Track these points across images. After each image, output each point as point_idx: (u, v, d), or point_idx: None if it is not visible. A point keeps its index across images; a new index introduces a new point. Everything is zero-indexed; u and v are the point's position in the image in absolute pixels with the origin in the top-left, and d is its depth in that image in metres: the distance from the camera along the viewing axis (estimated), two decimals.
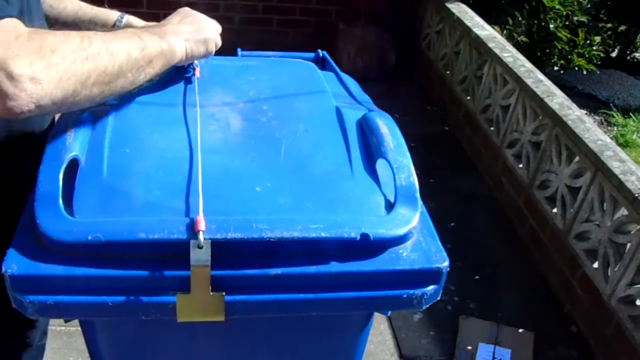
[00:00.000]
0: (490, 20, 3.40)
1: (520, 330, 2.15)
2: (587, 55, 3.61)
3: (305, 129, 0.92)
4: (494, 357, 2.02)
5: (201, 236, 0.70)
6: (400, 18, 4.12)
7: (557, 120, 2.38)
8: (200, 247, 0.70)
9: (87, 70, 0.70)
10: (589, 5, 3.73)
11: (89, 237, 0.71)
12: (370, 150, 0.89)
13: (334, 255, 0.77)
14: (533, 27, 3.54)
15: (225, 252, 0.74)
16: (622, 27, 4.58)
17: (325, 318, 0.90)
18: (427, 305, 0.81)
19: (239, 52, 1.25)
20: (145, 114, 0.90)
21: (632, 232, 1.94)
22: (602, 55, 3.88)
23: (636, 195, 1.89)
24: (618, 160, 2.05)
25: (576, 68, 3.63)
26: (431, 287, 0.80)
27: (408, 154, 0.86)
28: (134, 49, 0.77)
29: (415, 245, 0.81)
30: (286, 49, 1.33)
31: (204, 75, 1.00)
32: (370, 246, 0.78)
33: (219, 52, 1.13)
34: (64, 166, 0.76)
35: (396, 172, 0.83)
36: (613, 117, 3.90)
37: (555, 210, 2.38)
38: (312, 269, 0.76)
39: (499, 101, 2.92)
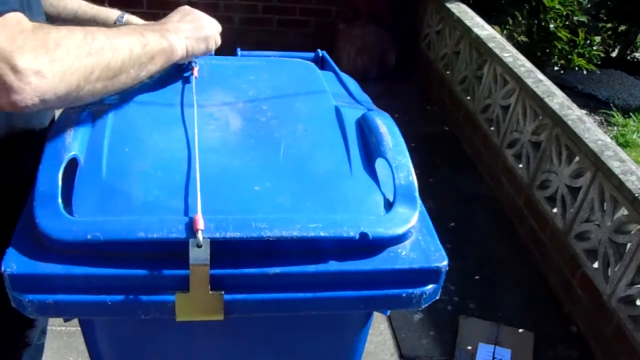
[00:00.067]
0: (490, 20, 3.40)
1: (520, 330, 2.15)
2: (587, 55, 3.61)
3: (305, 128, 0.92)
4: (494, 357, 2.02)
5: (200, 235, 0.70)
6: (400, 18, 4.12)
7: (557, 120, 2.38)
8: (199, 246, 0.71)
9: (90, 65, 0.70)
10: (589, 5, 3.73)
11: (88, 236, 0.71)
12: (370, 149, 0.89)
13: (333, 255, 0.77)
14: (533, 27, 3.54)
15: (225, 251, 0.74)
16: (622, 27, 4.58)
17: (325, 317, 0.90)
18: (427, 305, 0.81)
19: (239, 51, 1.26)
20: (144, 114, 0.90)
21: (632, 232, 1.94)
22: (602, 55, 3.88)
23: (636, 195, 1.89)
24: (618, 160, 2.05)
25: (576, 68, 3.63)
26: (430, 286, 0.80)
27: (407, 153, 0.86)
28: (136, 45, 0.77)
29: (415, 244, 0.81)
30: (286, 49, 1.33)
31: (203, 75, 1.00)
32: (370, 245, 0.78)
33: (219, 52, 1.13)
34: (63, 165, 0.76)
35: (395, 171, 0.83)
36: (613, 117, 3.90)
37: (555, 210, 2.38)
38: (311, 268, 0.76)
39: (499, 101, 2.92)
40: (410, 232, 0.81)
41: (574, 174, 2.27)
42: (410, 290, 0.79)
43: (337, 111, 0.96)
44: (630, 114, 3.96)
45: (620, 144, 3.49)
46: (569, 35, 3.53)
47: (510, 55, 2.90)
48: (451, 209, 2.76)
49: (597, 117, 3.97)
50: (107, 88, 0.75)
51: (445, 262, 0.79)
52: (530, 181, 2.58)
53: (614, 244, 2.00)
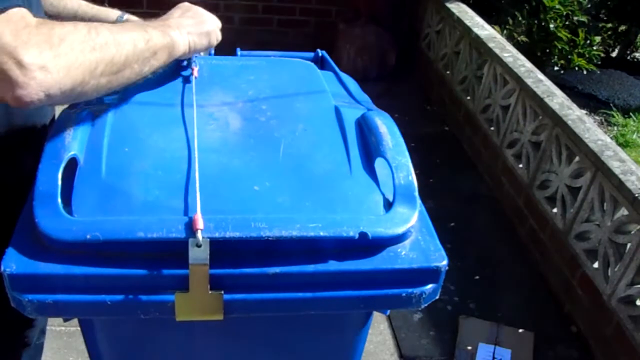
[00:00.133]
0: (490, 20, 3.40)
1: (520, 330, 2.15)
2: (587, 55, 3.61)
3: (304, 128, 0.92)
4: (494, 357, 2.02)
5: (199, 235, 0.70)
6: (400, 18, 4.12)
7: (557, 120, 2.38)
8: (198, 246, 0.70)
9: (95, 60, 0.71)
10: (589, 5, 3.73)
11: (88, 236, 0.71)
12: (369, 149, 0.89)
13: (332, 254, 0.77)
14: (533, 27, 3.54)
15: (224, 251, 0.74)
16: (622, 27, 4.58)
17: (324, 317, 0.90)
18: (426, 304, 0.81)
19: (239, 51, 1.26)
20: (144, 114, 0.90)
21: (632, 232, 1.94)
22: (602, 55, 3.88)
23: (636, 195, 1.89)
24: (618, 160, 2.05)
25: (576, 68, 3.63)
26: (430, 285, 0.80)
27: (407, 153, 0.86)
28: (139, 40, 0.78)
29: (414, 244, 0.80)
30: (286, 49, 1.33)
31: (203, 75, 1.00)
32: (369, 245, 0.78)
33: (219, 52, 1.13)
34: (63, 165, 0.76)
35: (395, 171, 0.83)
36: (613, 117, 3.90)
37: (555, 210, 2.38)
38: (310, 267, 0.76)
39: (499, 101, 2.92)
40: (410, 232, 0.81)
41: (574, 174, 2.27)
42: (409, 290, 0.79)
43: (337, 111, 0.96)
44: (630, 114, 3.96)
45: (620, 144, 3.49)
46: (569, 35, 3.53)
47: (510, 55, 2.90)
48: (451, 209, 2.76)
49: (597, 117, 3.97)
50: (111, 83, 0.75)
51: (445, 262, 0.79)
52: (530, 181, 2.58)
53: (614, 244, 2.00)
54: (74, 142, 0.80)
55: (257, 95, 0.98)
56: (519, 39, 3.52)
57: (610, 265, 2.00)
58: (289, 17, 4.13)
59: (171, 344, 0.92)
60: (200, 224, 0.71)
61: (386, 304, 0.82)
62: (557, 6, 3.47)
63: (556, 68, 3.71)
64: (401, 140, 0.89)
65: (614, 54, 4.82)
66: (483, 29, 3.21)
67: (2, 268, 0.70)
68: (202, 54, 1.03)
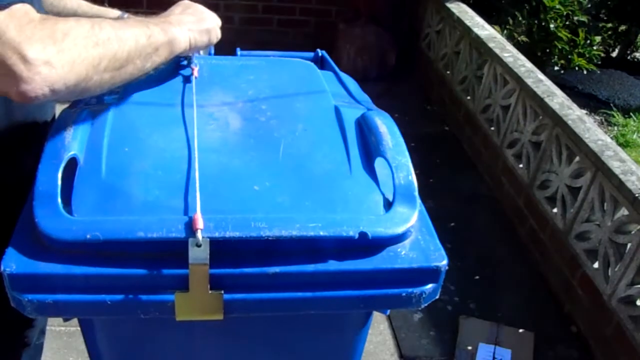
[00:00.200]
0: (490, 20, 3.40)
1: (520, 330, 2.15)
2: (587, 55, 3.61)
3: (304, 128, 0.92)
4: (494, 357, 2.02)
5: (199, 235, 0.70)
6: (400, 18, 4.12)
7: (557, 120, 2.38)
8: (198, 246, 0.70)
9: (98, 56, 0.71)
10: (589, 5, 3.73)
11: (88, 236, 0.71)
12: (369, 149, 0.88)
13: (332, 254, 0.77)
14: (533, 27, 3.54)
15: (224, 250, 0.74)
16: (623, 27, 4.59)
17: (324, 317, 0.90)
18: (426, 304, 0.81)
19: (238, 51, 1.26)
20: (144, 114, 0.90)
21: (633, 232, 1.94)
22: (602, 55, 3.88)
23: (636, 195, 1.89)
24: (618, 160, 2.05)
25: (576, 68, 3.63)
26: (430, 285, 0.80)
27: (407, 153, 0.86)
28: (141, 36, 0.78)
29: (414, 243, 0.80)
30: (286, 49, 1.33)
31: (203, 75, 1.00)
32: (369, 245, 0.77)
33: (219, 51, 1.13)
34: (62, 165, 0.76)
35: (395, 170, 0.83)
36: (613, 117, 3.90)
37: (555, 210, 2.38)
38: (310, 267, 0.76)
39: (499, 101, 2.92)
40: (410, 232, 0.81)
41: (574, 174, 2.27)
42: (409, 290, 0.79)
43: (337, 111, 0.96)
44: (631, 113, 3.96)
45: (620, 144, 3.49)
46: (569, 35, 3.53)
47: (511, 55, 2.90)
48: (451, 209, 2.76)
49: (597, 117, 3.97)
50: (114, 79, 0.75)
51: (445, 262, 0.79)
52: (530, 181, 2.58)
53: (614, 244, 2.00)
54: (73, 142, 0.80)
55: (257, 95, 0.98)
56: (519, 39, 3.52)
57: (610, 265, 2.00)
58: (289, 17, 4.13)
59: (171, 344, 0.92)
60: (200, 223, 0.71)
61: (386, 303, 0.82)
62: (557, 6, 3.47)
63: (556, 68, 3.71)
64: (401, 140, 0.89)
65: (614, 54, 4.82)
66: (483, 29, 3.21)
67: (2, 268, 0.70)
68: (202, 52, 1.04)
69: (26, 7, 0.67)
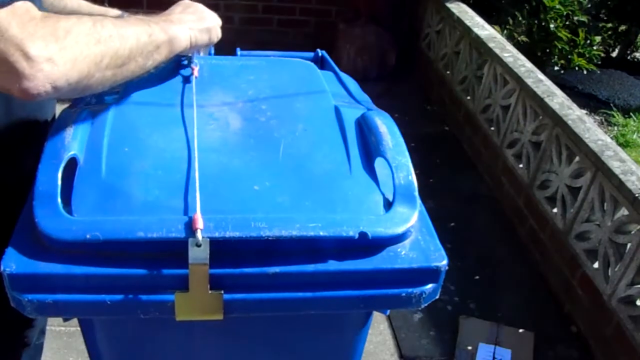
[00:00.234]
0: (490, 20, 3.40)
1: (520, 330, 2.15)
2: (587, 55, 3.61)
3: (304, 128, 0.92)
4: (494, 357, 2.02)
5: (199, 234, 0.70)
6: (400, 18, 4.12)
7: (557, 120, 2.38)
8: (198, 246, 0.70)
9: (100, 53, 0.71)
10: (589, 5, 3.73)
11: (88, 236, 0.71)
12: (369, 149, 0.88)
13: (332, 254, 0.77)
14: (533, 27, 3.54)
15: (224, 250, 0.74)
16: (623, 27, 4.59)
17: (324, 317, 0.90)
18: (426, 304, 0.81)
19: (238, 51, 1.25)
20: (144, 113, 0.90)
21: (633, 232, 1.94)
22: (602, 55, 3.88)
23: (636, 195, 1.89)
24: (618, 160, 2.05)
25: (576, 68, 3.63)
26: (430, 285, 0.80)
27: (407, 153, 0.86)
28: (142, 34, 0.78)
29: (414, 243, 0.80)
30: (286, 49, 1.33)
31: (203, 75, 1.00)
32: (369, 245, 0.77)
33: (219, 51, 1.13)
34: (62, 165, 0.76)
35: (395, 171, 0.83)
36: (613, 117, 3.90)
37: (555, 210, 2.38)
38: (310, 267, 0.76)
39: (499, 101, 2.92)
40: (410, 232, 0.81)
41: (574, 174, 2.27)
42: (409, 290, 0.79)
43: (337, 111, 0.96)
44: (631, 113, 3.96)
45: (620, 144, 3.49)
46: (569, 35, 3.53)
47: (511, 55, 2.90)
48: (451, 209, 2.76)
49: (597, 117, 3.97)
50: (116, 76, 0.76)
51: (445, 262, 0.79)
52: (530, 181, 2.58)
53: (614, 244, 2.00)
54: (73, 142, 0.80)
55: (257, 95, 0.98)
56: (519, 39, 3.52)
57: (610, 265, 2.00)
58: (289, 17, 4.13)
59: (171, 344, 0.92)
60: (200, 223, 0.71)
61: (386, 303, 0.82)
62: (557, 6, 3.48)
63: (556, 68, 3.71)
64: (401, 140, 0.89)
65: (614, 54, 4.82)
66: (483, 29, 3.21)
67: (2, 268, 0.70)
68: (202, 52, 1.04)
69: (28, 5, 0.67)
